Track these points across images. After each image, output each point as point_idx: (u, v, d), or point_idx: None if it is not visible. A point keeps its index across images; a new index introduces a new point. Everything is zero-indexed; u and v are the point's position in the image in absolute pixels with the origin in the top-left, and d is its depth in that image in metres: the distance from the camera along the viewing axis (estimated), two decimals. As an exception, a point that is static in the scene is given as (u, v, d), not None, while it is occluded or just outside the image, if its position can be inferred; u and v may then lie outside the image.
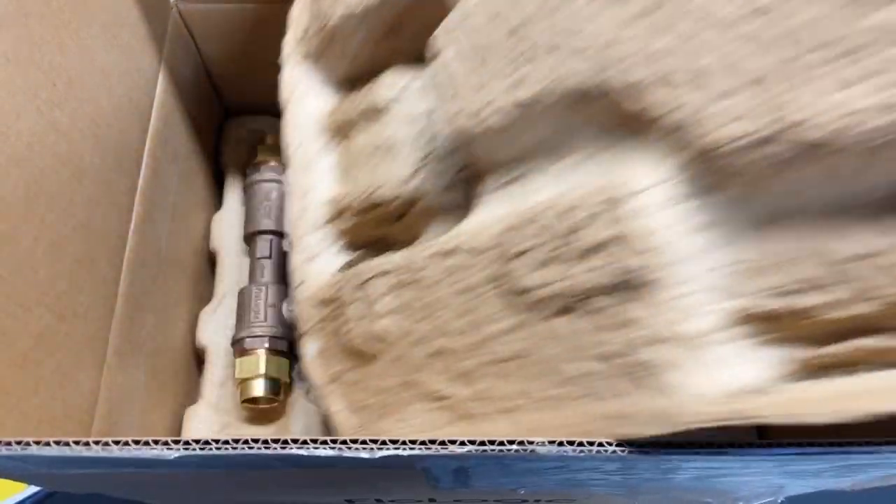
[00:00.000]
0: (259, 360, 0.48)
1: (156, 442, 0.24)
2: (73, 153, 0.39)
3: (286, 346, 0.50)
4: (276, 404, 0.50)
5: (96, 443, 0.24)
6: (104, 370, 0.42)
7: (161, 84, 0.48)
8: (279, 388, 0.49)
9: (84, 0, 0.40)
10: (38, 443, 0.24)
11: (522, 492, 0.34)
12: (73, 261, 0.39)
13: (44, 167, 0.36)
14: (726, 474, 0.29)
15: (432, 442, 0.24)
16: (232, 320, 0.52)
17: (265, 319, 0.50)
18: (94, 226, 0.41)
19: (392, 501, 0.45)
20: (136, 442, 0.24)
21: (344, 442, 0.24)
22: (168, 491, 0.39)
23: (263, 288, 0.51)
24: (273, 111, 0.61)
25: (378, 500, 0.45)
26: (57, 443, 0.24)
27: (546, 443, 0.24)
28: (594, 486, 0.32)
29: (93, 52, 0.40)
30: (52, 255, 0.37)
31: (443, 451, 0.24)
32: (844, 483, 0.32)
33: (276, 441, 0.24)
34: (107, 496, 0.41)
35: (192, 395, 0.53)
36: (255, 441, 0.24)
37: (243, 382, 0.48)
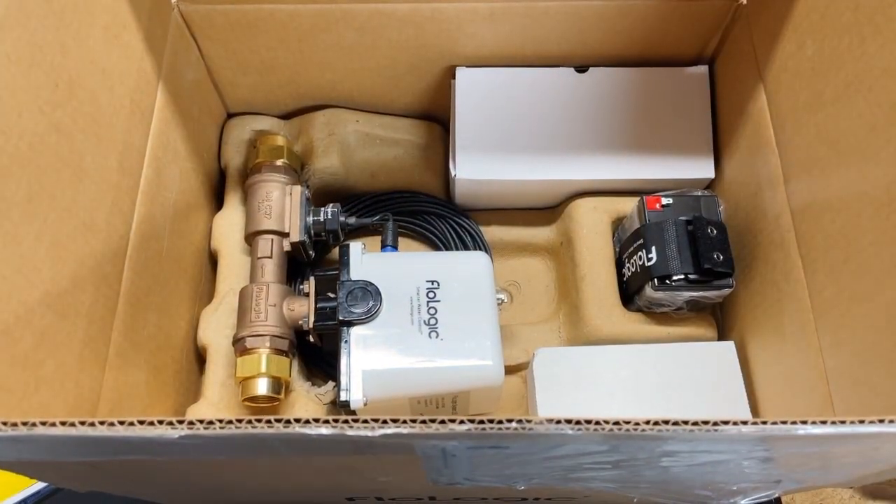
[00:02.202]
0: (260, 359, 0.49)
1: (160, 422, 0.24)
2: (75, 153, 0.39)
3: (287, 345, 0.50)
4: (276, 403, 0.50)
5: (101, 423, 0.24)
6: (106, 369, 0.42)
7: (162, 84, 0.49)
8: (280, 387, 0.49)
9: (85, 1, 0.40)
10: (44, 423, 0.24)
11: (522, 487, 0.34)
12: (74, 260, 0.39)
13: (46, 167, 0.36)
14: (722, 461, 0.29)
15: (432, 420, 0.24)
16: (233, 319, 0.52)
17: (266, 319, 0.50)
18: (96, 225, 0.41)
19: (392, 500, 0.45)
20: (141, 422, 0.24)
21: (346, 421, 0.25)
22: (169, 489, 0.39)
23: (264, 287, 0.51)
24: (273, 111, 0.61)
25: (378, 499, 0.45)
26: (63, 423, 0.24)
27: (544, 421, 0.25)
28: (590, 480, 0.32)
29: (94, 53, 0.41)
30: (54, 254, 0.37)
31: (442, 430, 0.24)
32: (841, 477, 0.32)
33: (279, 420, 0.24)
34: (109, 495, 0.41)
35: (193, 393, 0.53)
36: (259, 420, 0.25)
37: (244, 381, 0.49)
